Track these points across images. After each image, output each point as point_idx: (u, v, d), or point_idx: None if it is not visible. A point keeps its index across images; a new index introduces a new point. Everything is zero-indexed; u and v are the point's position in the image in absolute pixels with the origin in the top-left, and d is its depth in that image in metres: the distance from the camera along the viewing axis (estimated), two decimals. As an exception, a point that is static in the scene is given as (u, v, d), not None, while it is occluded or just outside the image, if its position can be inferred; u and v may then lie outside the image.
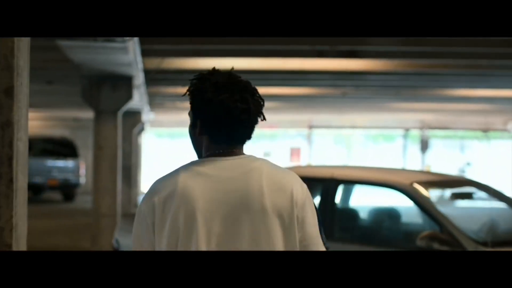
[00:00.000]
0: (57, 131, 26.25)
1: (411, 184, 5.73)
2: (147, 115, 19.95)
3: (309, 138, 29.56)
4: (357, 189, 6.37)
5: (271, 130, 29.55)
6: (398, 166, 27.75)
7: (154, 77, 12.88)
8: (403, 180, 5.81)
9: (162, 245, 2.50)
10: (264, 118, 2.59)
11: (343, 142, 32.43)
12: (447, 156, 30.74)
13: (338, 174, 5.98)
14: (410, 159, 30.34)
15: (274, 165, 2.61)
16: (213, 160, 2.56)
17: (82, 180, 23.20)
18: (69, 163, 22.84)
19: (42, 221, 16.57)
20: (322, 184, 5.99)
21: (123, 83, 11.04)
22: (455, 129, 29.79)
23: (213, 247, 2.47)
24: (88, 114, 17.98)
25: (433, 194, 6.00)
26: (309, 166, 6.75)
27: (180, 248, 2.47)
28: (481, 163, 29.87)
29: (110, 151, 11.41)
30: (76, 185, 22.86)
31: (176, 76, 13.30)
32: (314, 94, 16.96)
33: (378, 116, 26.16)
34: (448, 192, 6.43)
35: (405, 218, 6.21)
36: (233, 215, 2.48)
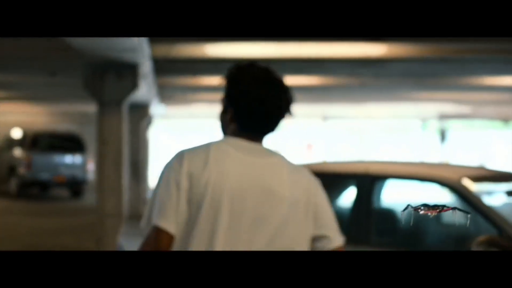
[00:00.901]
0: (64, 126, 25.64)
1: (460, 179, 4.93)
2: (157, 108, 19.19)
3: (322, 130, 28.74)
4: (395, 187, 5.56)
5: (283, 121, 28.79)
6: (416, 158, 26.98)
7: (162, 67, 12.23)
8: (450, 175, 5.01)
9: (189, 214, 2.61)
10: (291, 115, 2.78)
11: (357, 133, 31.80)
12: (467, 147, 29.93)
13: (374, 169, 5.17)
14: (428, 151, 29.54)
15: (288, 159, 2.79)
16: (240, 142, 2.71)
17: (90, 176, 22.54)
18: (76, 158, 22.20)
19: (48, 219, 15.92)
20: (355, 181, 5.21)
21: (128, 72, 10.16)
22: (474, 119, 28.95)
23: (236, 228, 2.61)
24: (95, 108, 17.34)
25: (485, 191, 5.19)
26: (337, 162, 5.85)
27: (204, 220, 2.59)
28: (501, 154, 29.02)
29: (115, 146, 10.44)
30: (83, 182, 22.23)
31: (186, 66, 12.70)
32: (330, 84, 16.27)
33: (395, 107, 25.40)
34: (501, 189, 5.60)
35: (453, 219, 5.41)
36: (257, 198, 2.63)
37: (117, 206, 10.35)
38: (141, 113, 16.66)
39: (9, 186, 21.45)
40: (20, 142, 21.84)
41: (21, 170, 20.88)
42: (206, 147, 2.67)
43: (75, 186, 22.15)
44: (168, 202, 2.61)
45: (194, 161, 2.63)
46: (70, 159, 22.04)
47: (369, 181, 5.11)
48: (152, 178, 26.36)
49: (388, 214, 5.42)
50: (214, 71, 13.70)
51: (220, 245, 2.57)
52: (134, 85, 10.25)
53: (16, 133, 22.88)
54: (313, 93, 19.34)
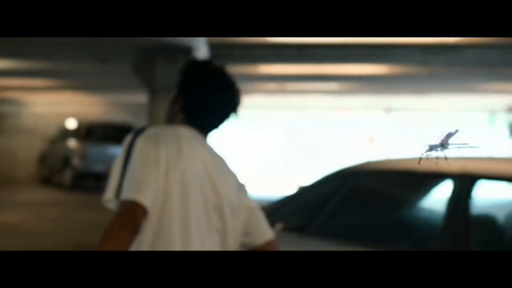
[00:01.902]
0: (119, 117, 25.18)
1: None
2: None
3: (384, 122, 27.71)
4: (500, 189, 4.64)
5: (344, 113, 28.06)
6: (482, 154, 25.82)
7: (219, 53, 11.52)
8: None
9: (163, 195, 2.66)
10: (237, 116, 2.91)
11: (420, 127, 30.79)
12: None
13: (473, 168, 4.26)
14: (495, 146, 28.34)
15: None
16: (198, 135, 2.84)
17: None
18: (131, 150, 21.65)
19: (101, 212, 15.28)
20: (449, 182, 4.33)
21: (182, 56, 9.38)
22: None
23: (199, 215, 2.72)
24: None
25: None
26: (421, 158, 4.91)
27: (177, 205, 2.67)
28: None
29: None
30: (138, 174, 21.65)
31: (244, 52, 11.99)
32: (396, 73, 15.38)
33: (461, 98, 24.31)
34: None
35: None
36: (217, 187, 2.77)
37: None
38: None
39: (63, 178, 21.05)
40: (75, 133, 21.45)
41: (75, 162, 20.45)
42: (175, 133, 2.76)
43: (130, 178, 21.62)
44: (147, 178, 2.63)
45: (169, 145, 2.70)
46: (124, 150, 21.52)
47: (467, 182, 4.20)
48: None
49: (491, 222, 4.51)
50: (274, 58, 12.95)
51: (193, 228, 2.68)
52: None
53: (71, 124, 22.51)
54: (376, 83, 18.48)
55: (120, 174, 2.70)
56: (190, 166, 2.69)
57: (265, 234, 2.89)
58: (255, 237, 2.87)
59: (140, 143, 2.69)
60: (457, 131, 2.76)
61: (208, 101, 2.80)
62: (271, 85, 17.95)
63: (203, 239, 2.70)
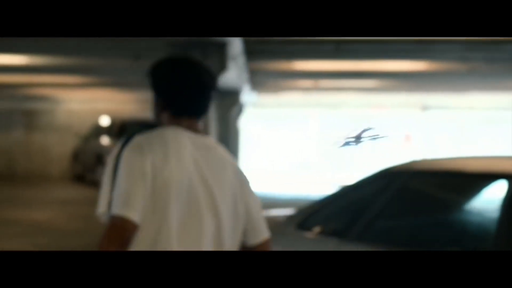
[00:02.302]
0: (151, 114, 25.00)
1: None
2: (248, 96, 18.20)
3: (421, 120, 27.23)
4: None
5: (379, 111, 27.64)
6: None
7: (253, 49, 11.25)
8: None
9: (154, 204, 2.64)
10: (216, 93, 2.97)
11: (458, 125, 30.26)
12: None
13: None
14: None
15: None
16: (187, 133, 2.80)
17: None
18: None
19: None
20: (505, 182, 4.00)
21: (215, 51, 9.10)
22: None
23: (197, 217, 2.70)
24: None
25: None
26: (478, 157, 4.58)
27: (172, 211, 2.65)
28: None
29: None
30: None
31: (279, 48, 11.69)
32: (434, 69, 15.00)
33: (501, 96, 23.79)
34: None
35: None
36: (210, 187, 2.75)
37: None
38: (231, 100, 15.57)
39: (97, 175, 20.92)
40: (108, 130, 21.32)
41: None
42: (161, 136, 2.74)
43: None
44: (133, 191, 2.61)
45: (155, 151, 2.67)
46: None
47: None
48: (244, 171, 25.52)
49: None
50: (310, 54, 12.66)
51: (186, 231, 2.67)
52: (222, 66, 9.12)
53: (104, 121, 22.40)
54: (414, 80, 18.08)
55: (110, 186, 2.70)
56: (178, 169, 2.67)
57: (260, 234, 2.87)
58: (250, 236, 2.85)
59: (125, 154, 2.69)
60: (370, 128, 2.68)
61: (184, 88, 2.82)
62: (306, 82, 17.64)
63: (196, 242, 2.68)
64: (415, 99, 25.49)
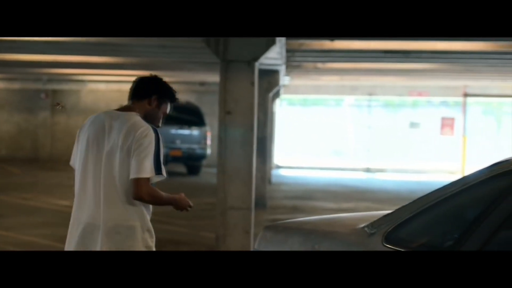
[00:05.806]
0: (182, 96, 24.23)
1: None
2: (283, 78, 17.18)
3: (463, 107, 26.06)
4: None
5: (419, 97, 26.61)
6: None
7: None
8: None
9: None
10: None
11: (493, 112, 29.22)
12: None
13: None
14: None
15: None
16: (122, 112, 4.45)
17: (208, 151, 21.02)
18: (194, 132, 20.77)
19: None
20: None
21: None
22: None
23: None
24: (216, 77, 15.45)
25: None
26: None
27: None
28: None
29: (244, 118, 8.26)
30: (202, 157, 20.87)
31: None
32: (474, 49, 13.77)
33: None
34: None
35: None
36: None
37: (246, 197, 8.21)
38: (270, 81, 14.45)
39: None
40: (135, 112, 20.54)
41: (135, 142, 19.59)
42: (92, 118, 4.50)
43: (193, 161, 20.92)
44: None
45: (83, 126, 4.49)
46: (187, 132, 20.73)
47: None
48: (277, 157, 24.79)
49: None
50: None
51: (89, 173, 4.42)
52: (270, 40, 7.98)
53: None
54: (453, 64, 16.95)
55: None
56: (87, 133, 4.31)
57: (131, 173, 4.07)
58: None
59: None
60: None
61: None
62: (344, 64, 16.60)
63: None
64: (456, 85, 24.39)
